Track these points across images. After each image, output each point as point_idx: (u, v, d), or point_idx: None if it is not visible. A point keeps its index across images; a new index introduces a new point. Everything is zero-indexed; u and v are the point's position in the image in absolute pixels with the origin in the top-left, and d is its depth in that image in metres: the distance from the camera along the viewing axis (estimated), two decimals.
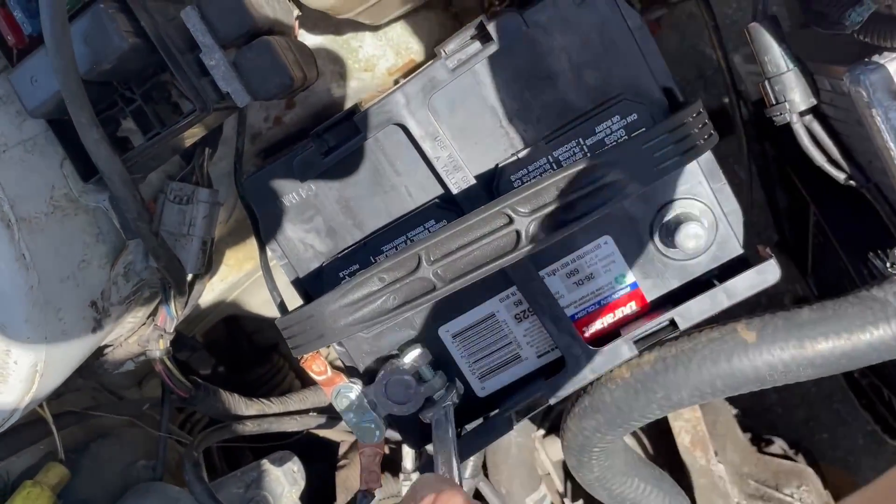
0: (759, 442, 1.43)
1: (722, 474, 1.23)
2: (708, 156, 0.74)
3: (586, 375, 0.76)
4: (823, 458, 1.56)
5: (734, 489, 1.29)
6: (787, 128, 0.79)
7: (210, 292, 1.14)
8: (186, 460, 0.81)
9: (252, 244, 1.13)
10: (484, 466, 1.16)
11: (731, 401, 1.40)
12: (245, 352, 1.48)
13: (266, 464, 0.97)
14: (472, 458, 1.09)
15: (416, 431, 0.81)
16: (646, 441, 1.28)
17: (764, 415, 1.88)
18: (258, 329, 1.49)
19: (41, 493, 0.87)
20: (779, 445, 1.44)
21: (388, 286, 0.65)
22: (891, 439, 0.97)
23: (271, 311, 1.36)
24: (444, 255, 0.64)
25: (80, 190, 0.76)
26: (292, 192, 0.77)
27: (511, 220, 0.62)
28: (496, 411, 0.79)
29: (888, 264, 0.73)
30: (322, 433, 1.17)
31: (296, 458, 0.99)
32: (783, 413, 1.90)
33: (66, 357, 0.77)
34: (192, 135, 0.76)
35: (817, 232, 0.95)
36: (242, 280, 1.20)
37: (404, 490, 1.06)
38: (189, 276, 0.86)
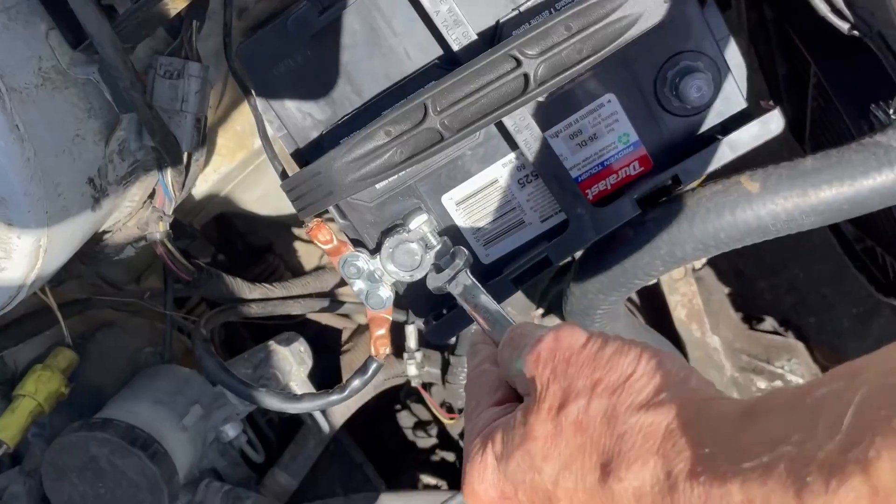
0: (751, 320, 1.47)
1: (717, 346, 1.27)
2: (713, 8, 0.73)
3: (590, 235, 0.77)
4: (811, 341, 1.60)
5: (727, 363, 1.32)
6: None
7: (203, 183, 1.12)
8: (195, 337, 0.82)
9: (244, 132, 1.10)
10: None
11: (721, 283, 1.43)
12: (239, 252, 1.47)
13: (273, 344, 0.98)
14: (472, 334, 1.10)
15: (423, 299, 0.82)
16: (639, 318, 1.30)
17: (752, 300, 1.92)
18: (252, 230, 1.48)
19: (52, 375, 0.88)
20: (769, 323, 1.47)
21: (394, 139, 0.64)
22: (885, 297, 1.00)
23: (265, 209, 1.35)
24: (450, 103, 0.63)
25: (69, 62, 0.74)
26: (287, 59, 0.75)
27: (519, 63, 0.61)
28: (501, 276, 0.80)
29: (891, 111, 0.73)
30: (325, 320, 1.19)
31: (302, 339, 1.00)
32: (771, 299, 1.94)
33: (68, 233, 0.76)
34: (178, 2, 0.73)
35: (817, 94, 0.94)
36: (235, 172, 1.18)
37: (409, 369, 1.07)
38: (185, 155, 0.85)
